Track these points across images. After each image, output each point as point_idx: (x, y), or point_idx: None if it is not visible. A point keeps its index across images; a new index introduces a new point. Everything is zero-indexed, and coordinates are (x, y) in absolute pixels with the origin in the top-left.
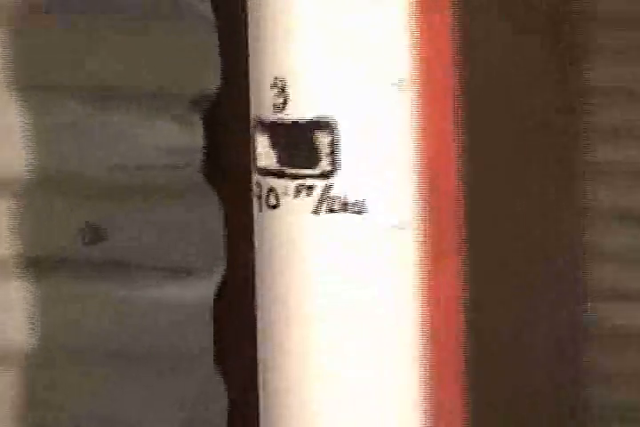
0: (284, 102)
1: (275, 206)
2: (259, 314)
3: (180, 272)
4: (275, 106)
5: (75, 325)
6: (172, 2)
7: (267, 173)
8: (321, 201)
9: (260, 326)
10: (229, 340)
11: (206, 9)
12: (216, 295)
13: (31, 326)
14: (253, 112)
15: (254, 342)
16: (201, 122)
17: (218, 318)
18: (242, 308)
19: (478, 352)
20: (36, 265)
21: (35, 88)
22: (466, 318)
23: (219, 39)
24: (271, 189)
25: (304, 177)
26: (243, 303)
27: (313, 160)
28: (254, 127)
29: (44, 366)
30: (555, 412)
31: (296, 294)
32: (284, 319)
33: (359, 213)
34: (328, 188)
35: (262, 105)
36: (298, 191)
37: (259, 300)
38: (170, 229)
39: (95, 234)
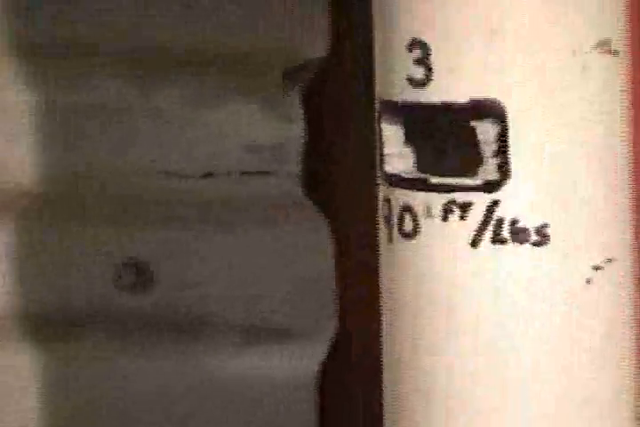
0: (428, 75)
1: (411, 235)
2: (387, 391)
3: (271, 335)
4: (412, 81)
5: (107, 415)
6: None
7: (399, 182)
8: (483, 227)
9: (388, 407)
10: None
11: None
12: (323, 365)
13: (39, 416)
14: (378, 91)
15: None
16: (300, 106)
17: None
18: (360, 382)
19: None
20: (48, 325)
21: (48, 54)
22: None
23: None
24: (406, 209)
25: (458, 189)
26: (361, 376)
27: (472, 164)
28: (380, 114)
29: None
30: None
31: (447, 364)
32: (425, 398)
33: (539, 244)
34: (493, 206)
35: (393, 82)
36: (447, 211)
37: (386, 373)
38: (254, 269)
39: (139, 275)
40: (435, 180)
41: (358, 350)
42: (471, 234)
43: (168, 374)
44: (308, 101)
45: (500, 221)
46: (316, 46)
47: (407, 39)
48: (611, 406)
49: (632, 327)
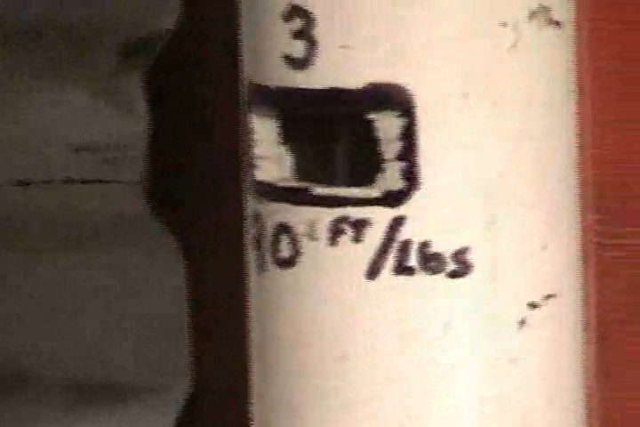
0: (311, 53)
1: (290, 262)
2: None
3: (105, 394)
4: (290, 60)
5: None
6: None
7: (273, 193)
8: (383, 252)
9: None
10: None
11: None
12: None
13: None
14: (247, 73)
15: None
16: (142, 94)
17: None
18: None
19: None
20: None
21: None
22: None
23: None
24: (283, 228)
25: (350, 203)
26: None
27: (369, 169)
28: (248, 103)
29: None
30: None
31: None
32: None
33: (458, 275)
34: (397, 224)
35: (265, 60)
36: (337, 232)
37: None
38: (81, 307)
39: None
40: (320, 190)
41: (216, 412)
42: (368, 261)
43: None
44: (155, 87)
45: (405, 245)
46: (163, 16)
47: (284, 6)
48: None
49: (578, 385)
